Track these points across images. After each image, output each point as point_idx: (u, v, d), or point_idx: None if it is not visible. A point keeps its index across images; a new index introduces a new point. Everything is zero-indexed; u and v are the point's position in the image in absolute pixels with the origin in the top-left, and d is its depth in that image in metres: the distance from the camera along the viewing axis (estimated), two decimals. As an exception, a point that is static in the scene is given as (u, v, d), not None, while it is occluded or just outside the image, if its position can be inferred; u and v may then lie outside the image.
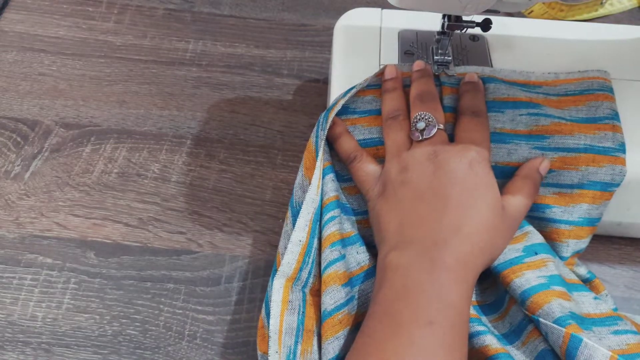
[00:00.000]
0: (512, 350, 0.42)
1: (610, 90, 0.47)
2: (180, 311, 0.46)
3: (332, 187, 0.44)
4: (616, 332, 0.40)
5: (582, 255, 0.47)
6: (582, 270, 0.46)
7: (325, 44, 0.65)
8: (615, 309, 0.43)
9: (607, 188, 0.45)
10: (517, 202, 0.43)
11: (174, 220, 0.51)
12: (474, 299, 0.44)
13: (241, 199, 0.53)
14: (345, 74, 0.50)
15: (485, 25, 0.47)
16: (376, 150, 0.46)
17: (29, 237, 0.50)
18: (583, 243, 0.46)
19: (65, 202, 0.52)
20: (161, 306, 0.47)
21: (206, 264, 0.49)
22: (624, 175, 0.44)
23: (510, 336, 0.43)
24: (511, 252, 0.43)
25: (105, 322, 0.46)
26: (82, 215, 0.51)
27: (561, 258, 0.45)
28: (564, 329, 0.38)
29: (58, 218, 0.51)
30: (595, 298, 0.43)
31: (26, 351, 0.44)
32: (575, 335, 0.38)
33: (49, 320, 0.46)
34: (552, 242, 0.45)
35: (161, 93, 0.60)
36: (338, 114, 0.46)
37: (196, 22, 0.67)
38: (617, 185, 0.45)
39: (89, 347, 0.45)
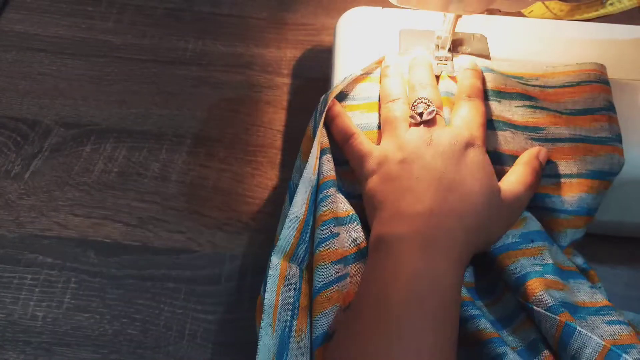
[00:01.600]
0: (505, 335, 0.42)
1: (607, 82, 0.47)
2: (181, 310, 0.46)
3: (328, 167, 0.44)
4: (609, 322, 0.40)
5: (582, 255, 0.47)
6: (579, 261, 0.46)
7: (325, 44, 0.65)
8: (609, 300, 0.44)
9: (606, 177, 0.45)
10: (515, 188, 0.43)
11: (174, 220, 0.51)
12: (468, 280, 0.44)
13: (241, 198, 0.53)
14: (346, 74, 0.50)
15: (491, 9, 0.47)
16: (373, 134, 0.46)
17: (29, 237, 0.50)
18: (580, 232, 0.46)
19: (66, 201, 0.52)
20: (161, 305, 0.47)
21: (206, 263, 0.49)
22: (622, 165, 0.45)
23: (502, 322, 0.43)
24: (508, 237, 0.43)
25: (105, 321, 0.46)
26: (82, 215, 0.51)
27: (559, 247, 0.45)
28: (557, 317, 0.38)
29: (58, 217, 0.51)
30: (592, 287, 0.43)
31: (26, 350, 0.44)
32: (569, 323, 0.38)
33: (49, 319, 0.46)
34: (550, 231, 0.45)
35: (161, 92, 0.60)
36: (337, 101, 0.47)
37: (196, 21, 0.66)
38: (616, 174, 0.45)
39: (89, 347, 0.45)
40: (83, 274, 0.48)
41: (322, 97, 0.46)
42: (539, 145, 0.45)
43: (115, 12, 0.67)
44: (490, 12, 0.47)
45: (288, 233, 0.40)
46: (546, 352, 0.40)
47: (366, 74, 0.49)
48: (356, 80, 0.48)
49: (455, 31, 0.49)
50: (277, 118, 0.59)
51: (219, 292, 0.47)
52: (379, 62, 0.49)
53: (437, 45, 0.50)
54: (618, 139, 0.45)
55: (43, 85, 0.60)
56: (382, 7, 0.54)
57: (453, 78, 0.48)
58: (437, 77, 0.49)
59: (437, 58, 0.49)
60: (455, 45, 0.51)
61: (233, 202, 0.53)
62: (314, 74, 0.62)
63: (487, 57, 0.51)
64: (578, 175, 0.45)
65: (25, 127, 0.57)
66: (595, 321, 0.40)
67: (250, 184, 0.54)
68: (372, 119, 0.47)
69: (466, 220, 0.40)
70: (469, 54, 0.51)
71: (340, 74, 0.50)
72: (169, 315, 0.46)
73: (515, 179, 0.44)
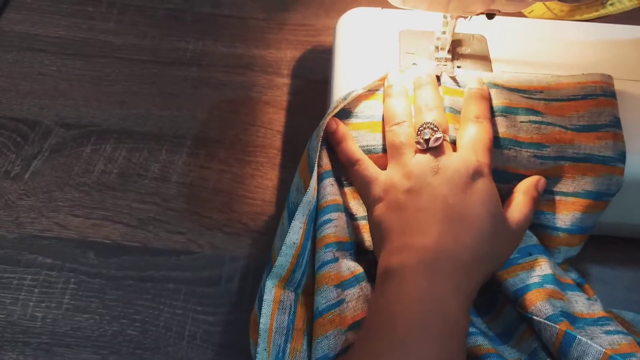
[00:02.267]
0: (506, 349, 0.42)
1: (613, 95, 0.47)
2: (181, 311, 0.46)
3: (330, 191, 0.44)
4: (608, 332, 0.40)
5: (583, 256, 0.47)
6: (573, 276, 0.47)
7: (325, 44, 0.65)
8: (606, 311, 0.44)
9: (602, 198, 0.45)
10: (518, 215, 0.43)
11: (174, 221, 0.51)
12: None
13: (241, 199, 0.53)
14: (346, 74, 0.50)
15: (490, 13, 0.47)
16: (378, 158, 0.46)
17: (29, 237, 0.50)
18: (574, 250, 0.46)
19: (65, 202, 0.52)
20: (161, 306, 0.47)
21: (206, 265, 0.49)
22: (620, 186, 0.44)
23: (503, 337, 0.43)
24: None
25: (105, 322, 0.46)
26: (82, 216, 0.51)
27: (555, 262, 0.45)
28: (557, 326, 0.38)
29: (58, 218, 0.51)
30: (588, 299, 0.43)
31: (26, 351, 0.44)
32: (569, 332, 0.38)
33: (48, 320, 0.46)
34: (545, 248, 0.45)
35: (161, 93, 0.60)
36: (341, 119, 0.46)
37: (196, 22, 0.66)
38: (612, 195, 0.45)
39: (88, 348, 0.45)
40: (82, 275, 0.48)
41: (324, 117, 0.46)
42: (542, 162, 0.45)
43: (115, 12, 0.67)
44: (490, 12, 0.47)
45: (284, 260, 0.40)
46: None
47: (370, 91, 0.48)
48: (359, 98, 0.47)
49: (455, 32, 0.49)
50: (277, 118, 0.59)
51: (218, 293, 0.47)
52: (382, 79, 0.48)
53: (437, 47, 0.50)
54: (621, 158, 0.44)
55: (43, 86, 0.60)
56: (382, 8, 0.54)
57: (453, 78, 0.48)
58: (438, 78, 0.49)
59: (437, 59, 0.49)
60: (455, 46, 0.51)
61: (233, 203, 0.53)
62: (314, 74, 0.62)
63: (487, 57, 0.51)
64: (574, 195, 0.45)
65: (26, 128, 0.57)
66: (595, 331, 0.40)
67: (250, 184, 0.54)
68: (377, 140, 0.46)
69: (473, 250, 0.40)
70: (469, 54, 0.50)
71: (340, 75, 0.50)
72: (168, 316, 0.46)
73: (515, 207, 0.43)
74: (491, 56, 0.51)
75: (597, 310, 0.42)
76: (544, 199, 0.45)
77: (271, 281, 0.40)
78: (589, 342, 0.37)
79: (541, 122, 0.45)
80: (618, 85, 0.48)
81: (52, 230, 0.50)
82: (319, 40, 0.65)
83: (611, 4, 0.65)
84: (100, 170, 0.54)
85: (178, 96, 0.60)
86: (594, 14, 0.65)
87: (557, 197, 0.45)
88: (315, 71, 0.62)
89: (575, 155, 0.45)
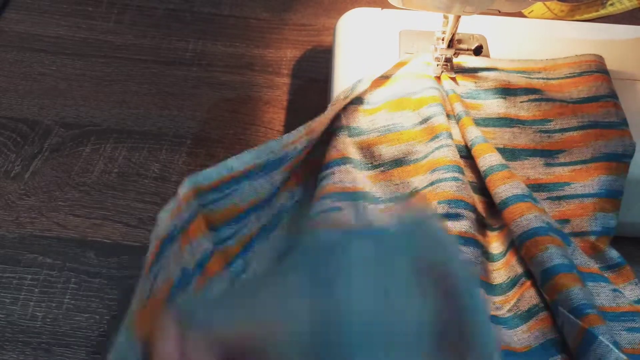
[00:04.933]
0: (517, 333, 0.40)
1: (607, 72, 0.49)
2: (180, 311, 0.46)
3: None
4: (630, 330, 0.39)
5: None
6: (614, 254, 0.45)
7: (325, 44, 0.65)
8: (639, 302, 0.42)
9: (621, 159, 0.45)
10: None
11: (174, 220, 0.51)
12: (482, 274, 0.43)
13: (241, 198, 0.53)
14: (346, 74, 0.50)
15: (477, 50, 0.48)
16: (401, 135, 0.46)
17: (29, 237, 0.50)
18: (611, 218, 0.45)
19: (65, 201, 0.52)
20: (161, 306, 0.47)
21: (206, 264, 0.49)
22: (634, 148, 0.45)
23: (515, 320, 0.41)
24: (537, 220, 0.41)
25: (105, 322, 0.46)
26: (82, 215, 0.51)
27: (592, 233, 0.44)
28: (579, 322, 0.37)
29: (58, 218, 0.51)
30: (615, 290, 0.42)
31: (26, 351, 0.44)
32: (591, 330, 0.36)
33: (49, 320, 0.46)
34: (580, 219, 0.44)
35: (161, 93, 0.60)
36: (354, 104, 0.47)
37: (196, 22, 0.66)
38: (630, 156, 0.45)
39: (89, 347, 0.44)
40: (83, 274, 0.48)
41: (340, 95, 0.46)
42: (548, 136, 0.46)
43: (115, 12, 0.67)
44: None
45: (214, 172, 0.35)
46: (560, 357, 0.38)
47: (382, 77, 0.49)
48: (373, 84, 0.48)
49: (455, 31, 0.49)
50: (276, 118, 0.59)
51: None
52: (398, 65, 0.49)
53: (437, 47, 0.50)
54: (625, 123, 0.46)
55: (43, 86, 0.60)
56: (382, 8, 0.54)
57: (453, 79, 0.48)
58: (438, 78, 0.49)
59: (437, 59, 0.49)
60: (455, 46, 0.51)
61: (233, 203, 0.52)
62: (314, 74, 0.62)
63: (487, 57, 0.51)
64: (593, 160, 0.45)
65: (26, 128, 0.57)
66: (615, 327, 0.39)
67: (250, 184, 0.54)
68: (396, 119, 0.46)
69: None
70: (468, 53, 0.51)
71: (340, 75, 0.50)
72: (168, 315, 0.46)
73: None
74: (491, 56, 0.51)
75: (623, 303, 0.40)
76: (565, 171, 0.45)
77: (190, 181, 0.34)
78: (610, 345, 0.36)
79: (541, 99, 0.47)
80: (617, 85, 0.48)
81: (52, 230, 0.50)
82: (319, 40, 0.65)
83: (611, 4, 0.65)
84: (100, 170, 0.54)
85: (178, 96, 0.60)
86: (594, 14, 0.65)
87: (579, 167, 0.46)
88: (315, 71, 0.62)
89: (581, 124, 0.46)
